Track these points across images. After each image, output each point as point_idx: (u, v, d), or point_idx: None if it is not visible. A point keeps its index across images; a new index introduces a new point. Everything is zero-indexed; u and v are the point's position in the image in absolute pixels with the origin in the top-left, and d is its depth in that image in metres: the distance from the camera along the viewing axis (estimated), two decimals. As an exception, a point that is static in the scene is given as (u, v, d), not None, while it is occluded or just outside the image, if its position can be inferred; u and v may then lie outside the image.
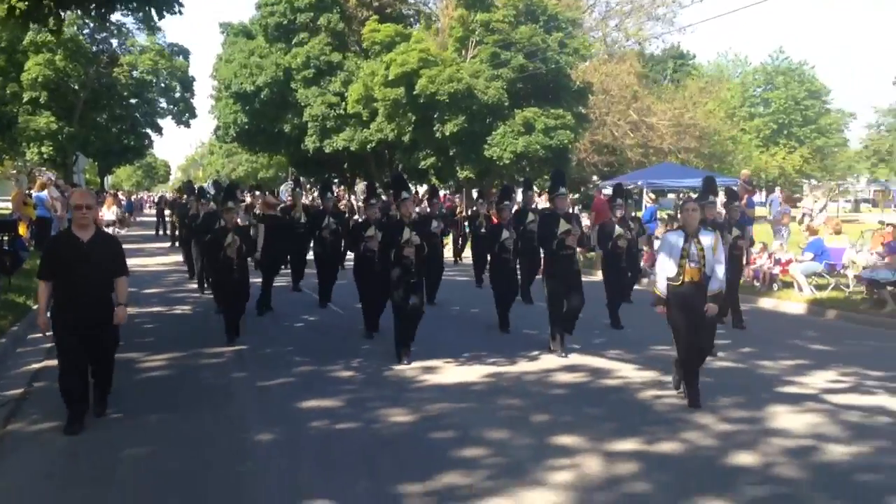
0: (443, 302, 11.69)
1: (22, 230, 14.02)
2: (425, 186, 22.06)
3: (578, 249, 8.61)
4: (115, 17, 28.46)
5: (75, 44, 31.22)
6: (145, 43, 35.31)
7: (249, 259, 9.01)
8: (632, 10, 33.41)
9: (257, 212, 12.24)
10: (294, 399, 6.39)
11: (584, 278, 8.61)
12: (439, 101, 22.34)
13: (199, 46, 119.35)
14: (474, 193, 24.05)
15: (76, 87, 32.15)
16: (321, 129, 27.33)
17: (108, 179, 47.74)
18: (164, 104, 37.32)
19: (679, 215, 7.41)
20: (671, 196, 30.44)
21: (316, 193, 24.66)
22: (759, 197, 36.17)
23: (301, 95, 27.53)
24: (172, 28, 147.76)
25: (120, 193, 40.49)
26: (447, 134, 22.90)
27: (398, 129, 24.60)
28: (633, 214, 11.69)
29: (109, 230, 17.48)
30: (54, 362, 5.78)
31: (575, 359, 8.02)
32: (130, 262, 6.35)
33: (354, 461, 5.00)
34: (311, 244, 11.93)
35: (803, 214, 24.68)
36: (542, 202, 20.04)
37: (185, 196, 15.91)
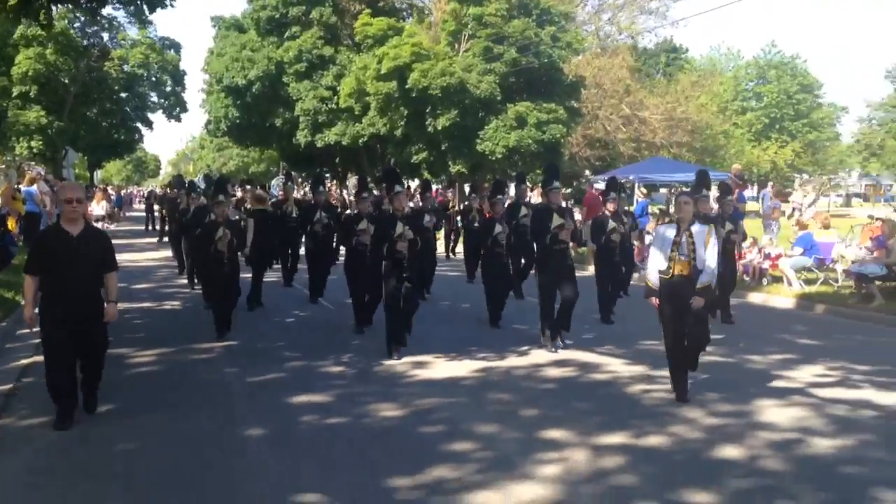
0: (434, 297, 11.72)
1: (11, 225, 13.91)
2: (417, 181, 22.05)
3: (570, 244, 8.64)
4: (107, 10, 28.29)
5: (66, 38, 30.92)
6: (136, 37, 35.02)
7: (239, 254, 9.00)
8: (624, 4, 33.53)
9: (247, 206, 12.22)
10: (285, 394, 6.42)
11: (576, 273, 8.60)
12: (432, 95, 22.31)
13: (191, 40, 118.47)
14: (467, 188, 24.07)
15: (66, 81, 31.86)
16: (313, 124, 27.26)
17: (98, 174, 47.42)
18: (154, 98, 37.09)
19: (671, 209, 7.45)
20: (663, 191, 30.49)
21: (308, 188, 24.60)
22: (751, 191, 36.29)
23: (293, 89, 27.44)
24: (164, 22, 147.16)
25: (109, 188, 40.28)
26: (439, 128, 22.88)
27: (390, 123, 24.56)
28: (625, 208, 11.70)
29: (99, 225, 17.41)
30: (43, 358, 5.77)
31: (564, 353, 8.06)
32: (120, 257, 6.34)
33: (345, 455, 5.03)
34: (303, 239, 11.92)
35: (793, 209, 24.77)
36: (534, 196, 20.05)
37: (175, 190, 15.84)
